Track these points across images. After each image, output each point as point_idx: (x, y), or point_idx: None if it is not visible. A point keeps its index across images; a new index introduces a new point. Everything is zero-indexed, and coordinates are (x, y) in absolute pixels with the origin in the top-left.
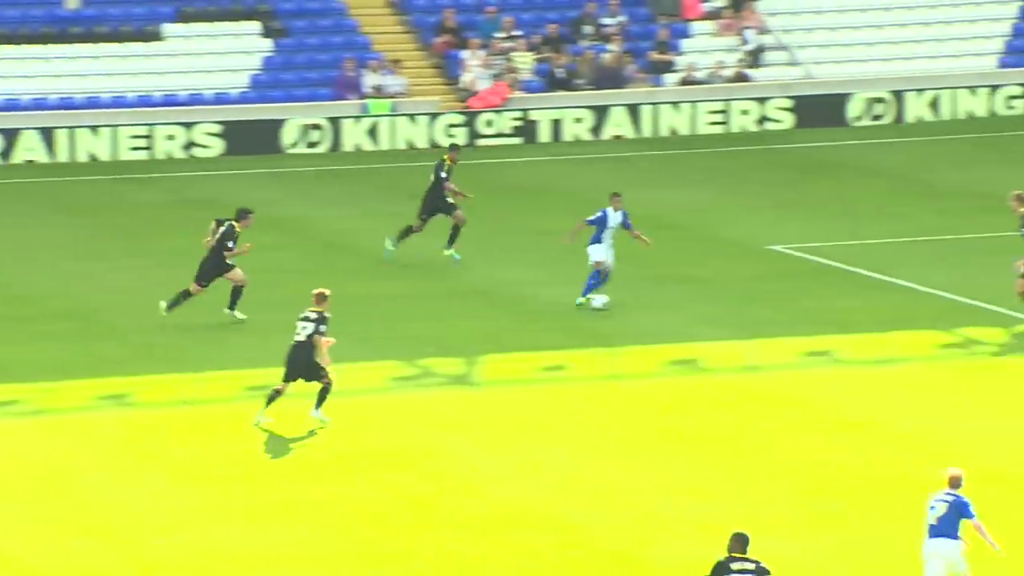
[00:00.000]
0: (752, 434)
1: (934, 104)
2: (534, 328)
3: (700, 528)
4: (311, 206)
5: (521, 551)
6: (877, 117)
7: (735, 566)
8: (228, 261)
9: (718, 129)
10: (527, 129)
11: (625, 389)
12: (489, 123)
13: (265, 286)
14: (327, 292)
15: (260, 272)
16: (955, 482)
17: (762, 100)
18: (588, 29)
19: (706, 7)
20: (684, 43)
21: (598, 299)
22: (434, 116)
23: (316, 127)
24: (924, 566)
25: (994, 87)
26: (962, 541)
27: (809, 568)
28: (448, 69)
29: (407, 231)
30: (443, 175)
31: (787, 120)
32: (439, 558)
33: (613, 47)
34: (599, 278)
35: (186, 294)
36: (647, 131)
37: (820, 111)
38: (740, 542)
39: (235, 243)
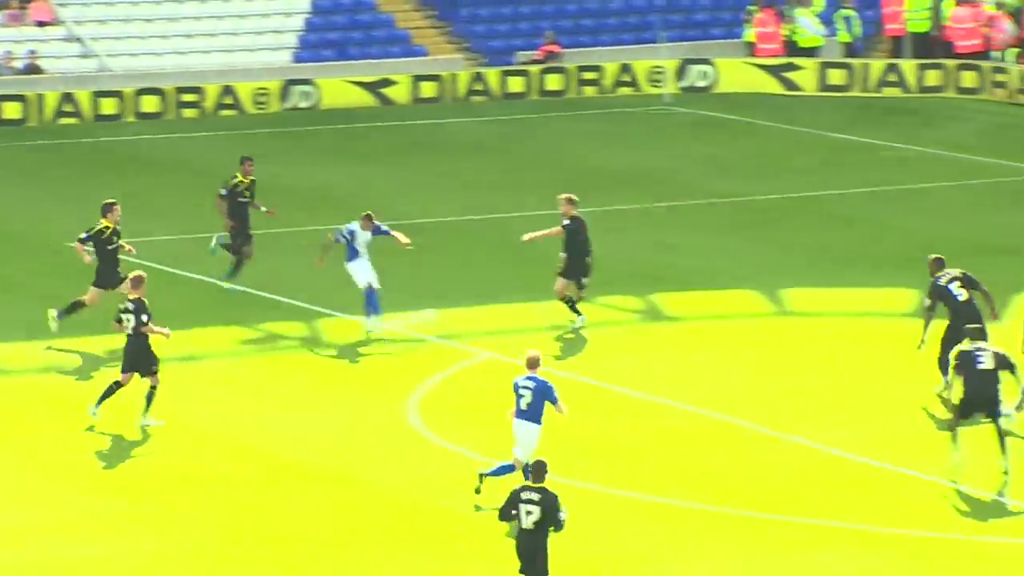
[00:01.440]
0: (45, 437)
1: (228, 98)
2: None
3: None
4: None
5: None
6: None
7: (523, 495)
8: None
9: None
10: None
11: None
12: None
13: None
14: (143, 275)
15: None
16: (532, 363)
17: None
18: None
19: None
20: None
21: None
22: None
23: None
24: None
25: (289, 81)
26: (540, 426)
27: (114, 570)
28: None
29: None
30: (231, 193)
31: (87, 113)
32: None
33: None
34: (374, 296)
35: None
36: None
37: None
38: (535, 470)
39: (89, 237)
